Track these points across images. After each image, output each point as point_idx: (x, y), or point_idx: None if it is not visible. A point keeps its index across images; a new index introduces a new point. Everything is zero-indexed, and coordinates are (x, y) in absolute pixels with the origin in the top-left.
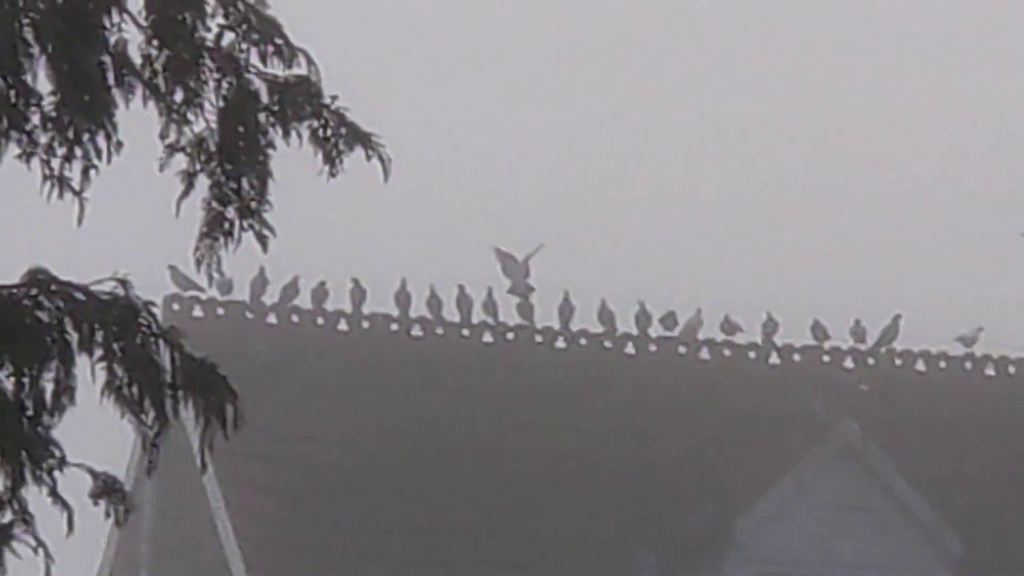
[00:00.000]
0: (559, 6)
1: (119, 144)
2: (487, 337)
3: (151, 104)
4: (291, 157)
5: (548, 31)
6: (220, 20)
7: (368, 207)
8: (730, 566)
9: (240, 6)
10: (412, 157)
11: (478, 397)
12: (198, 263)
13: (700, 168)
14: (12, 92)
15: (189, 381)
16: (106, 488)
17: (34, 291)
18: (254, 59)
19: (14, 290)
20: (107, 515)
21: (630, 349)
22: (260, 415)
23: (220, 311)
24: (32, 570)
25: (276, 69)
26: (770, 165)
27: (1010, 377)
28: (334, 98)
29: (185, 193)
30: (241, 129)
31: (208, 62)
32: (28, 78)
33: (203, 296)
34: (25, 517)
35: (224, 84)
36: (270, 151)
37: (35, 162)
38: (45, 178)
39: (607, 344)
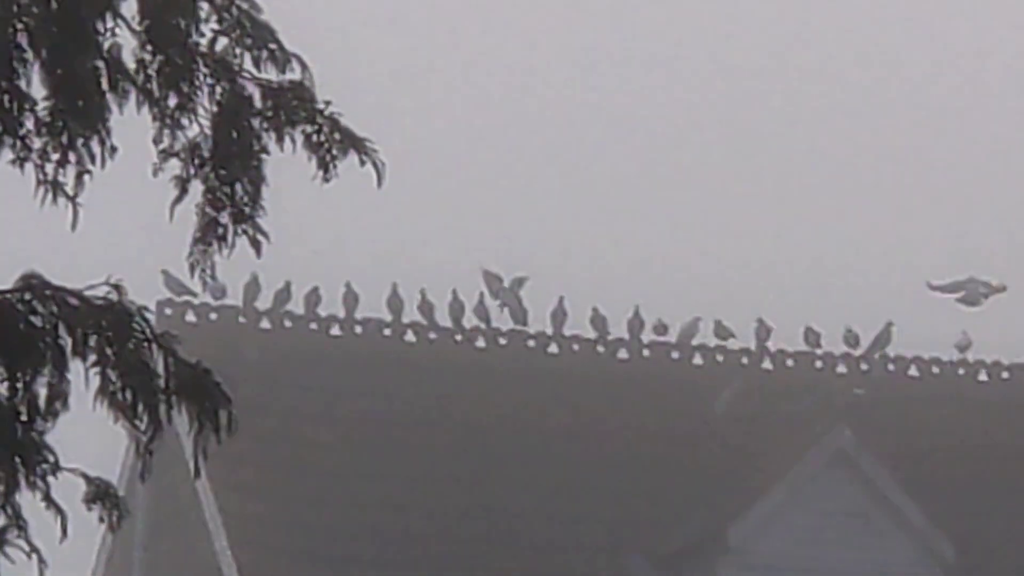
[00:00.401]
0: (553, 10)
1: (113, 149)
2: (480, 342)
3: (145, 109)
4: (285, 162)
5: (544, 33)
6: (214, 25)
7: (361, 212)
8: (723, 572)
9: (234, 11)
10: (405, 161)
11: (471, 402)
12: (192, 268)
13: (693, 174)
14: (6, 97)
15: (182, 386)
16: (99, 493)
17: (28, 296)
18: (248, 64)
19: (8, 295)
20: (100, 520)
21: (623, 354)
22: (253, 420)
23: (213, 316)
24: (26, 575)
25: (270, 74)
26: (764, 171)
27: (1003, 382)
28: (328, 103)
29: (179, 198)
30: (235, 134)
31: (202, 67)
32: (22, 83)
33: (196, 301)
34: (19, 522)
35: (218, 89)
36: (264, 156)
37: (29, 167)
38: (39, 183)
39: (600, 349)
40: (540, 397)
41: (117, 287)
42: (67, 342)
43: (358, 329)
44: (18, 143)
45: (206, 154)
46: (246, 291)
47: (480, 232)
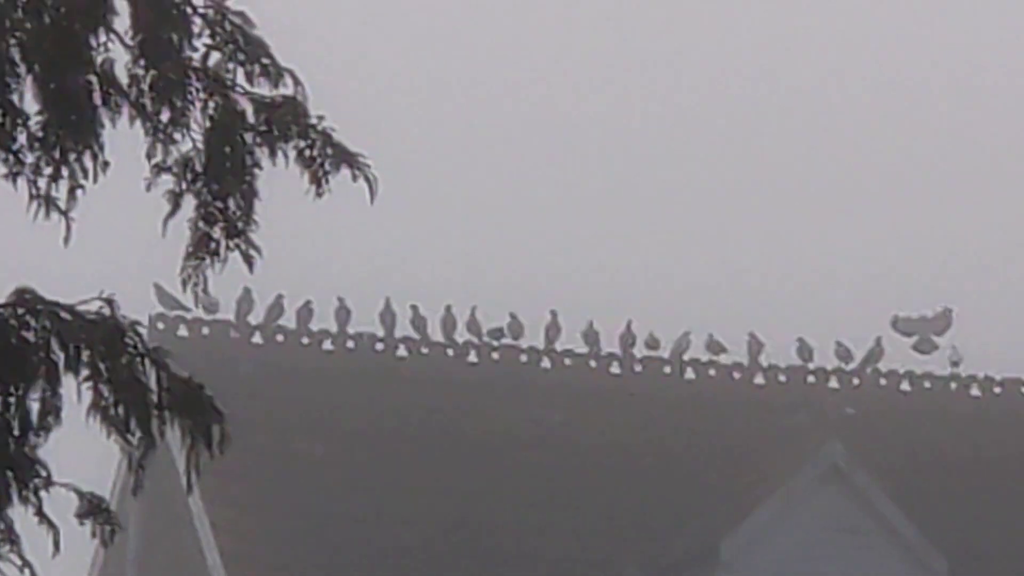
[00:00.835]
0: (547, 15)
1: (106, 164)
2: (472, 357)
3: (138, 124)
4: (277, 177)
5: (535, 49)
6: (207, 40)
7: (353, 226)
8: None
9: (227, 26)
10: (399, 176)
11: (464, 417)
12: (184, 283)
13: (685, 187)
14: None
15: (175, 401)
16: (92, 508)
17: (20, 311)
18: (240, 79)
19: (0, 310)
20: (93, 535)
21: (615, 369)
22: (246, 435)
23: (205, 331)
24: None
25: (263, 89)
26: (756, 185)
27: (995, 397)
28: (320, 118)
29: (171, 213)
30: (227, 149)
31: (195, 82)
32: (15, 98)
33: (189, 316)
34: (11, 537)
35: (211, 104)
36: (256, 171)
37: (22, 181)
38: (32, 197)
39: (592, 364)
40: (533, 411)
41: (110, 302)
42: (60, 357)
43: (350, 344)
44: (11, 158)
45: (199, 169)
46: (238, 306)
47: (472, 247)
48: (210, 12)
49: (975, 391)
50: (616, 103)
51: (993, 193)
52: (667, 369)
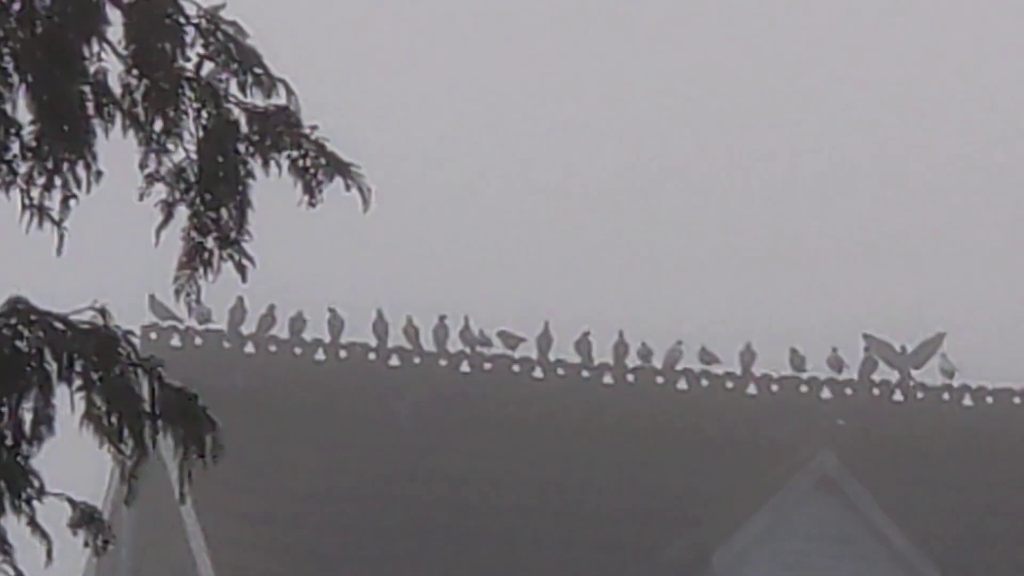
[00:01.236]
0: (544, 21)
1: (99, 173)
2: (464, 367)
3: (131, 134)
4: (271, 187)
5: (526, 59)
6: (200, 50)
7: (346, 236)
8: None
9: (220, 36)
10: (391, 185)
11: (455, 427)
12: (177, 293)
13: (679, 200)
14: None
15: (168, 411)
16: (85, 518)
17: (13, 320)
18: (233, 89)
19: None
20: (86, 545)
21: (608, 379)
22: (238, 445)
23: (198, 340)
24: None
25: (256, 99)
26: (753, 188)
27: (988, 407)
28: (314, 128)
29: (164, 223)
30: (220, 159)
31: (188, 92)
32: (8, 107)
33: (181, 325)
34: (4, 547)
35: (204, 114)
36: (249, 181)
37: (15, 191)
38: (25, 207)
39: (585, 374)
40: (525, 421)
41: (102, 311)
42: (52, 367)
43: (343, 354)
44: (4, 167)
45: (192, 178)
46: (231, 315)
47: (465, 257)
48: (203, 22)
49: (967, 401)
50: (610, 111)
51: (987, 202)
52: (660, 379)
